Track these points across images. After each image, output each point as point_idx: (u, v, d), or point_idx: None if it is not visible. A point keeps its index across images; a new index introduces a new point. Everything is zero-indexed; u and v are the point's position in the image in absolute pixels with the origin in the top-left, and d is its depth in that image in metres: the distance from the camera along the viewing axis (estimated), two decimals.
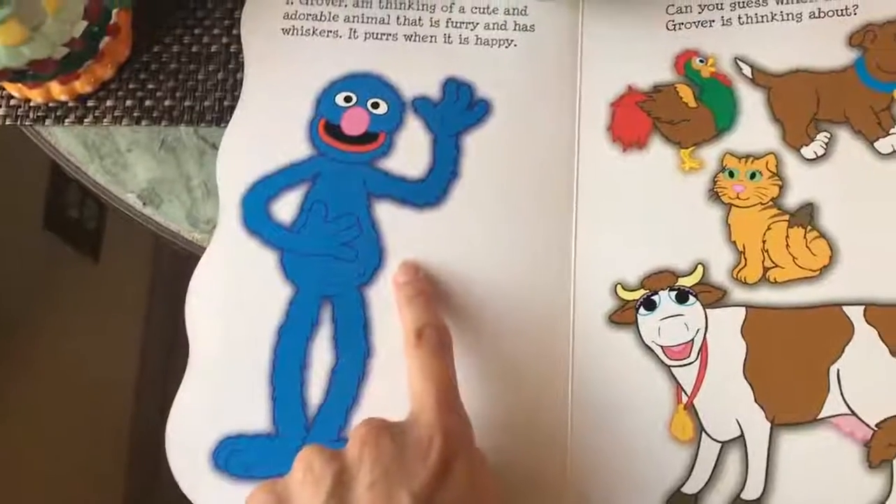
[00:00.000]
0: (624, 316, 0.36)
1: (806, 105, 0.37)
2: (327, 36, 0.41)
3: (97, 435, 0.87)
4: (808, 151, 0.37)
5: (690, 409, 0.34)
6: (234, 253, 0.38)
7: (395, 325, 0.36)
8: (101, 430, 0.88)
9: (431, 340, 0.33)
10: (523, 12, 0.41)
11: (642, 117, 0.39)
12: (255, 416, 0.36)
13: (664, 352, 0.35)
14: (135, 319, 0.94)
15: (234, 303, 0.37)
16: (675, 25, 0.40)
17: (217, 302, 0.37)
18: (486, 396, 0.35)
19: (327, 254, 0.38)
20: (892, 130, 0.36)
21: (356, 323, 0.37)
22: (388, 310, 0.37)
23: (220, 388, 0.36)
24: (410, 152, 0.39)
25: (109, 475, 0.89)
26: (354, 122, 0.40)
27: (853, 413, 0.33)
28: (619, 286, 0.36)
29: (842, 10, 0.39)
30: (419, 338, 0.33)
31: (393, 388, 0.35)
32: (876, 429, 0.33)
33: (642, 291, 0.36)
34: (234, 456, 0.35)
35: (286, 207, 0.38)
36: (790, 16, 0.39)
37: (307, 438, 0.35)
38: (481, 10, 0.41)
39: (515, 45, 0.41)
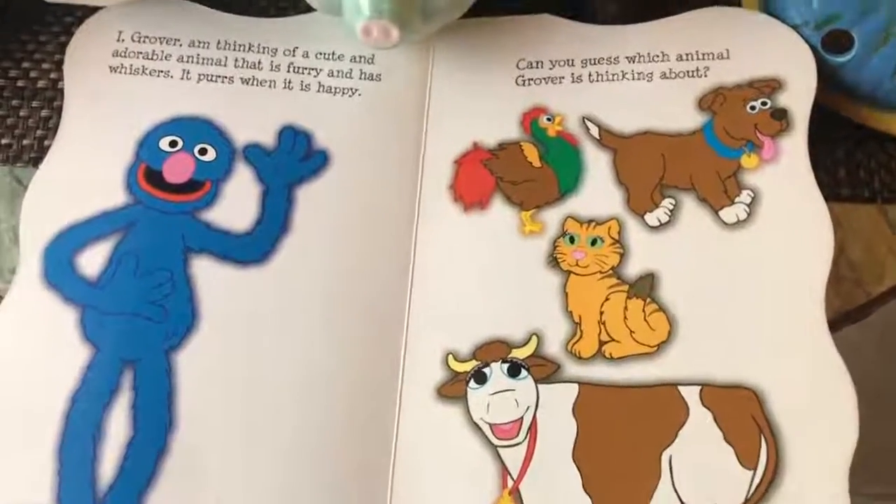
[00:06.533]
0: (454, 389, 0.33)
1: (652, 169, 0.35)
2: (158, 76, 0.38)
3: None
4: (651, 218, 0.35)
5: (516, 494, 0.31)
6: (30, 309, 0.34)
7: (204, 397, 0.33)
8: None
9: None
10: (370, 61, 0.39)
11: (486, 176, 0.36)
12: (36, 491, 0.32)
13: (492, 430, 0.32)
14: None
15: (25, 363, 0.33)
16: (524, 81, 0.38)
17: (6, 361, 0.33)
18: (303, 462, 0.32)
19: (133, 312, 0.34)
20: (737, 199, 0.34)
21: (160, 392, 0.33)
22: (198, 378, 0.33)
23: None
24: (237, 203, 0.36)
25: None
26: (178, 169, 0.37)
27: None
28: (450, 356, 0.34)
29: (693, 71, 0.37)
30: None
31: (194, 467, 0.32)
32: None
33: (474, 363, 0.33)
34: None
35: (94, 260, 0.35)
36: (641, 75, 0.37)
37: None
38: (326, 56, 0.39)
39: (360, 95, 0.38)
